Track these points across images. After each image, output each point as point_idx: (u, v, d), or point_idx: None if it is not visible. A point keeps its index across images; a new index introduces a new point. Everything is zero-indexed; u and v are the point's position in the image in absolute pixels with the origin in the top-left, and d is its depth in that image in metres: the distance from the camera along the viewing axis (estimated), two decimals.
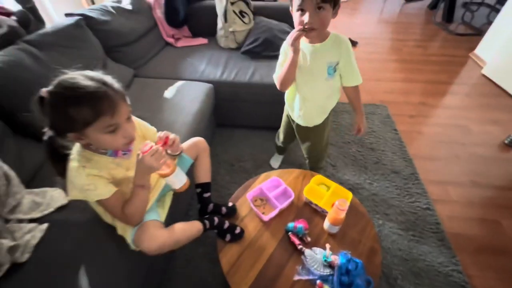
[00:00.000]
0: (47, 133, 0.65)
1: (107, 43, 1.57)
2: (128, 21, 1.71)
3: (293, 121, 1.23)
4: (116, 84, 0.67)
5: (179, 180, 0.79)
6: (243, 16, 1.89)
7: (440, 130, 1.90)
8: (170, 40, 2.01)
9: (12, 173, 0.90)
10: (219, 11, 1.89)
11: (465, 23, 3.46)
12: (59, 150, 0.70)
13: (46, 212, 0.90)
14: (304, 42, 0.95)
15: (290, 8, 0.91)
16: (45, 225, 0.85)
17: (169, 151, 0.89)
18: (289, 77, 1.00)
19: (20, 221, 0.87)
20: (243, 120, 1.83)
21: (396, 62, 2.77)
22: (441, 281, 1.12)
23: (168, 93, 1.50)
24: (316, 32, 0.87)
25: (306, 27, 0.85)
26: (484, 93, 2.28)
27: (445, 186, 1.51)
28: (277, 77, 1.04)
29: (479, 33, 3.10)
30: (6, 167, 0.90)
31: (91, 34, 1.47)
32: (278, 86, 1.06)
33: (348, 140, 1.79)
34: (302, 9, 0.84)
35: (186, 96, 1.48)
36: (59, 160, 0.71)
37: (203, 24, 2.08)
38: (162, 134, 0.81)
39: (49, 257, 0.79)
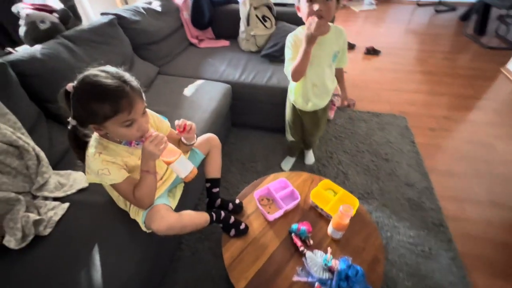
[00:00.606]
0: (71, 122, 0.71)
1: (136, 41, 1.68)
2: (156, 22, 1.81)
3: (300, 110, 1.30)
4: (134, 81, 0.71)
5: (184, 168, 0.77)
6: (265, 21, 1.93)
7: (463, 146, 1.82)
8: (194, 41, 2.10)
9: (42, 154, 0.99)
10: (243, 15, 1.95)
11: (499, 36, 3.29)
12: (81, 138, 0.77)
13: (68, 192, 0.98)
14: None
15: (297, 4, 0.99)
16: (66, 204, 0.93)
17: (184, 141, 0.94)
18: (303, 68, 1.05)
19: (46, 198, 0.95)
20: (258, 122, 1.87)
21: (421, 73, 2.69)
22: None
23: (188, 90, 1.57)
24: (324, 21, 0.94)
25: (317, 12, 0.91)
26: None
27: (462, 204, 1.45)
28: (290, 71, 1.08)
29: None
30: (38, 149, 0.99)
31: (122, 32, 1.58)
32: (292, 79, 1.12)
33: (362, 149, 1.76)
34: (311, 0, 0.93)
35: (205, 94, 1.54)
36: (81, 146, 0.78)
37: (226, 27, 2.16)
38: (180, 122, 0.88)
39: (69, 233, 0.86)
